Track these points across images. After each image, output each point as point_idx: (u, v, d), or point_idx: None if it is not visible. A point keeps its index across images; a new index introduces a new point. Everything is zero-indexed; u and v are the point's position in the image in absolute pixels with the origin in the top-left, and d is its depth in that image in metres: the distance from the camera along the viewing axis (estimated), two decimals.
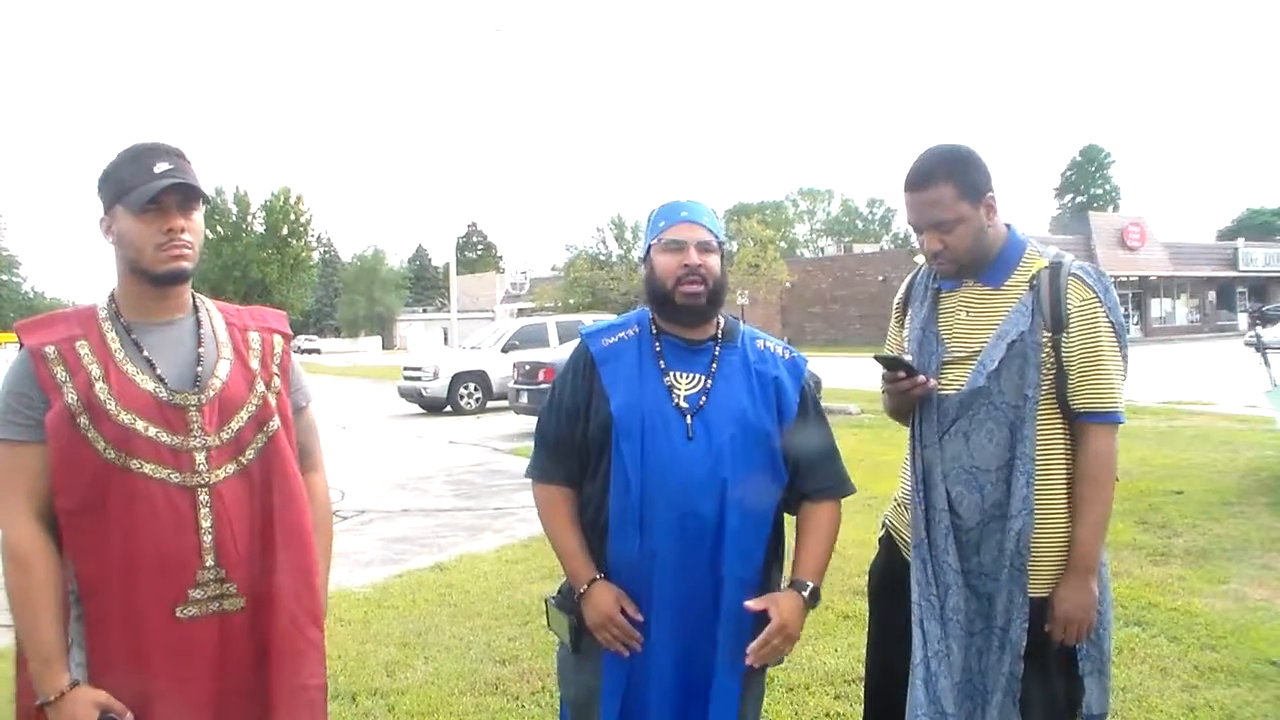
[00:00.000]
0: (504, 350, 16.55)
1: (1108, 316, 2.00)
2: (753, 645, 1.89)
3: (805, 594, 1.96)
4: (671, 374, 2.00)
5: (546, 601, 2.08)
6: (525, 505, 7.64)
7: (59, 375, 1.64)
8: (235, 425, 1.73)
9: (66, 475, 1.61)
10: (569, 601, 2.01)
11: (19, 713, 1.67)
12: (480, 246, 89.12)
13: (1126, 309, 41.68)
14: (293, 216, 60.35)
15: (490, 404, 16.71)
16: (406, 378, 17.45)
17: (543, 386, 12.25)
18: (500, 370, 16.00)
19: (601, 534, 1.97)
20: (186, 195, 1.70)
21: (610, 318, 2.32)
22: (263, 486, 1.75)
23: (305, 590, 1.78)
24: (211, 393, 1.72)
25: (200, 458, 1.68)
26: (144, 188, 1.66)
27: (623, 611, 1.92)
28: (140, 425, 1.65)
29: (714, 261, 2.00)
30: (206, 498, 1.67)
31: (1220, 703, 3.39)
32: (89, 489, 1.62)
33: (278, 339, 1.88)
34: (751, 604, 1.92)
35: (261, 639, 1.72)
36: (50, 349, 1.66)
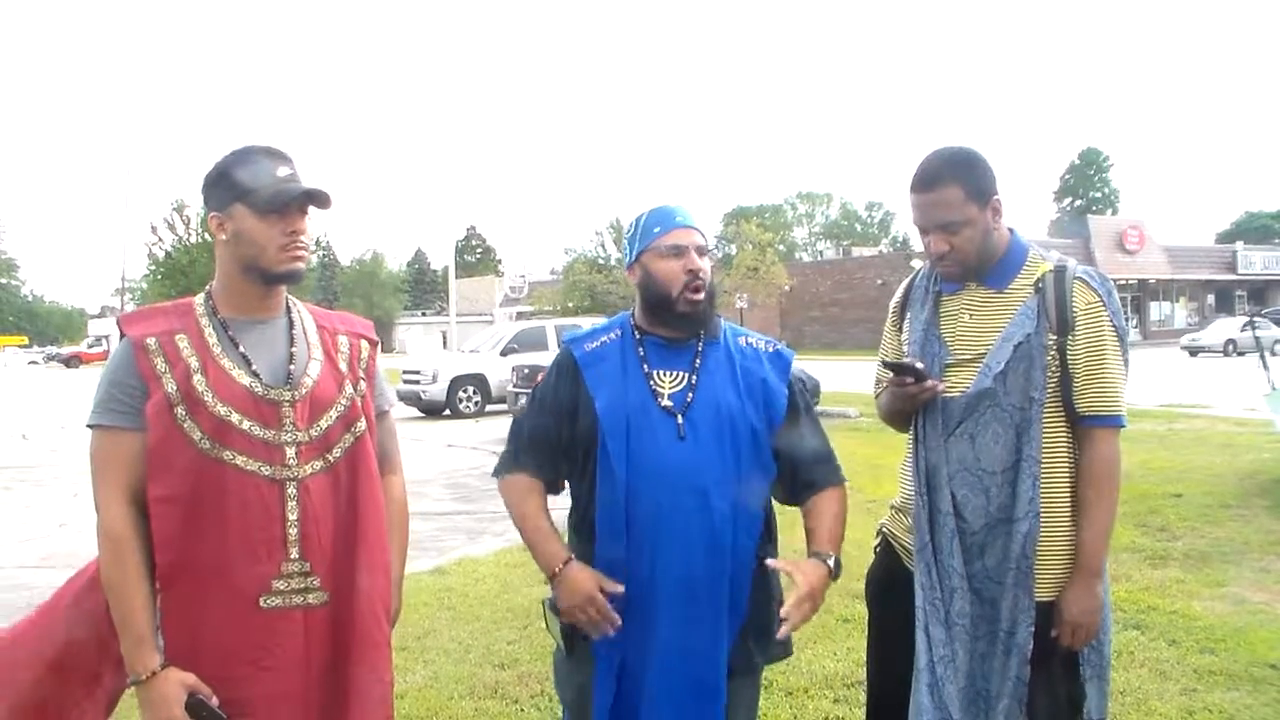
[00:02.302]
0: (503, 354, 16.59)
1: (1111, 320, 2.00)
2: (785, 610, 1.84)
3: (830, 563, 1.93)
4: (655, 374, 2.00)
5: (544, 604, 2.08)
6: None
7: (159, 366, 1.68)
8: (324, 423, 1.77)
9: (161, 463, 1.66)
10: None
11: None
12: (479, 250, 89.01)
13: (1125, 312, 41.38)
14: None
15: (489, 407, 16.72)
16: (405, 381, 17.43)
17: None
18: (499, 373, 16.04)
19: (589, 534, 1.98)
20: (307, 200, 1.76)
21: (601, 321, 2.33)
22: (348, 485, 1.79)
23: (382, 587, 1.82)
24: (304, 390, 1.77)
25: (290, 452, 1.72)
26: (276, 191, 1.72)
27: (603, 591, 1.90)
28: (235, 418, 1.69)
29: (708, 266, 2.03)
30: (294, 491, 1.72)
31: (1219, 706, 3.39)
32: (182, 478, 1.66)
33: (365, 344, 1.93)
34: (774, 563, 1.93)
35: (342, 634, 1.75)
36: (152, 340, 1.70)
